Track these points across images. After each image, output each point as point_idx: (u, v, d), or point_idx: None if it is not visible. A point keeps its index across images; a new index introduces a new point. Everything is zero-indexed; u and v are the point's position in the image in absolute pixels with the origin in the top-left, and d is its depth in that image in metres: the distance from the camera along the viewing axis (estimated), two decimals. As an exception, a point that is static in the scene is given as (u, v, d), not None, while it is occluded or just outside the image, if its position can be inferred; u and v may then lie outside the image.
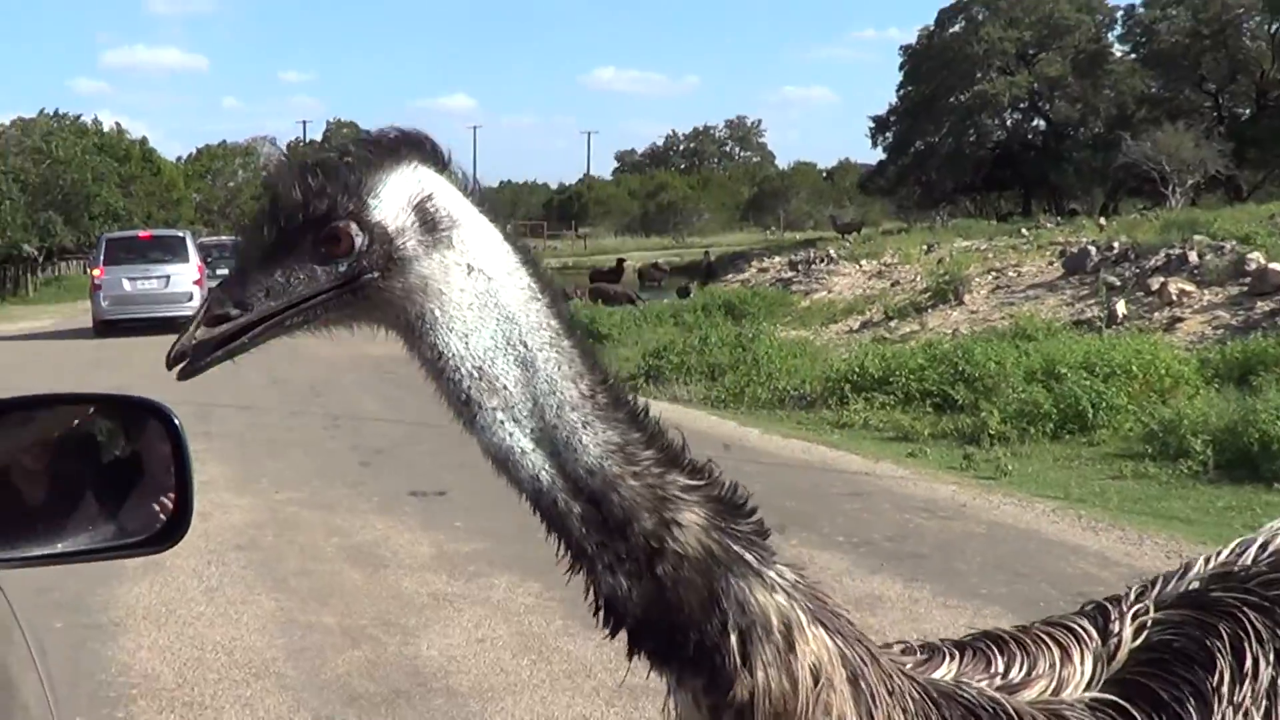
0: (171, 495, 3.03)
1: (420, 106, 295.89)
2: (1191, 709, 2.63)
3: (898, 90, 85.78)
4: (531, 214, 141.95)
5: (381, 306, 2.20)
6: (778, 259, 50.72)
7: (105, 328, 40.43)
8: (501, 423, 2.19)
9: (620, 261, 62.89)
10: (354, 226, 2.11)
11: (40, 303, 65.45)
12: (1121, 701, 2.63)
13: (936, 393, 19.49)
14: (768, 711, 2.22)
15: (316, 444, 18.31)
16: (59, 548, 2.98)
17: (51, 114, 72.05)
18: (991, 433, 16.94)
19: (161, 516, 3.04)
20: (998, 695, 2.51)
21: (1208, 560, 3.07)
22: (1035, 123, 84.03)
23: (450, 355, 2.19)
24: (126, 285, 41.21)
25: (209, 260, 45.59)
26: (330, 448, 17.98)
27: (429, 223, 2.16)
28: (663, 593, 2.19)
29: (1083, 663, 2.68)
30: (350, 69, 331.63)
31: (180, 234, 46.80)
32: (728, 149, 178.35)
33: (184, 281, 41.82)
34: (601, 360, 2.31)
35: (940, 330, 27.87)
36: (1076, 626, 2.78)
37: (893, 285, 35.25)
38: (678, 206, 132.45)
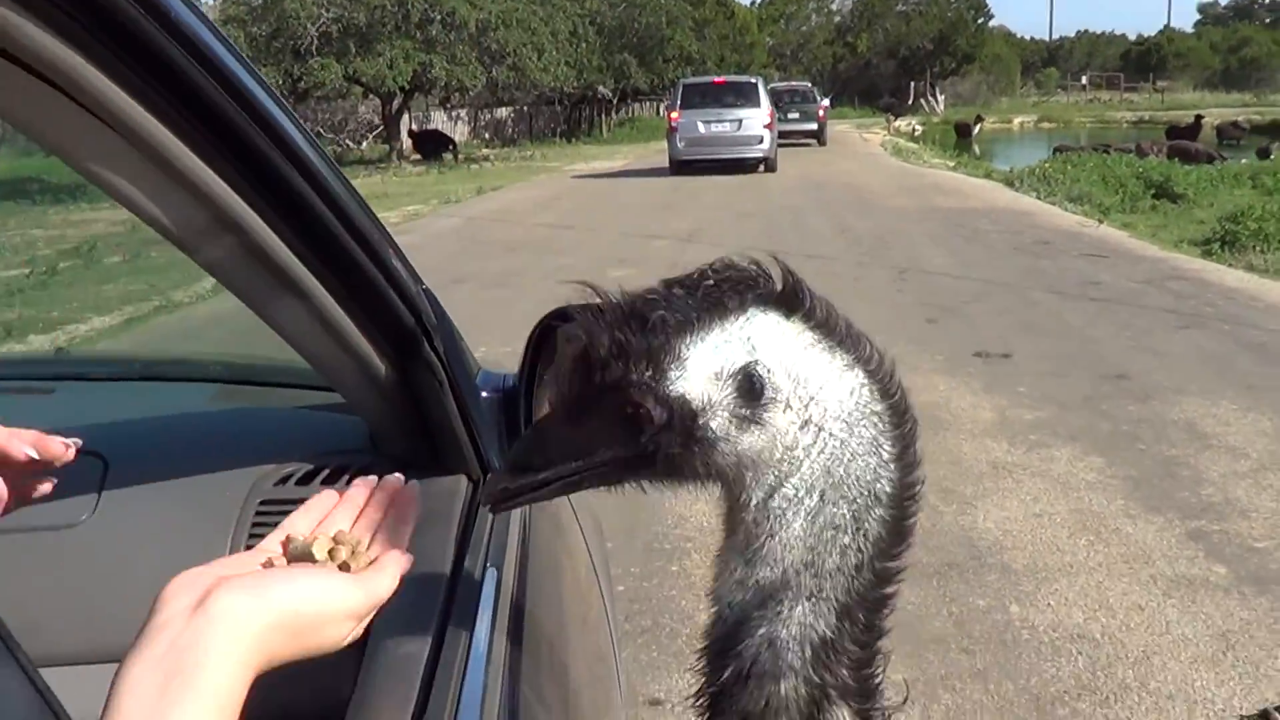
0: None
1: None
2: None
3: None
4: (1108, 66, 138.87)
5: (684, 475, 1.83)
6: (1366, 120, 47.85)
7: (680, 167, 43.54)
8: (736, 553, 1.83)
9: (1198, 118, 60.42)
10: (650, 400, 1.74)
11: (613, 143, 67.83)
12: None
13: None
14: None
15: (883, 297, 18.10)
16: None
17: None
18: None
19: None
20: None
21: None
22: None
23: (742, 505, 1.80)
24: (701, 128, 43.94)
25: (779, 105, 47.63)
26: (896, 302, 17.78)
27: (751, 392, 1.75)
28: None
29: None
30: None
31: (752, 80, 48.49)
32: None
33: (755, 125, 44.19)
34: (908, 536, 1.84)
35: None
36: None
37: None
38: (1260, 62, 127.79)
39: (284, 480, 2.97)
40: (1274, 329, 15.74)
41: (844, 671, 1.82)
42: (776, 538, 1.78)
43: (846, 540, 1.78)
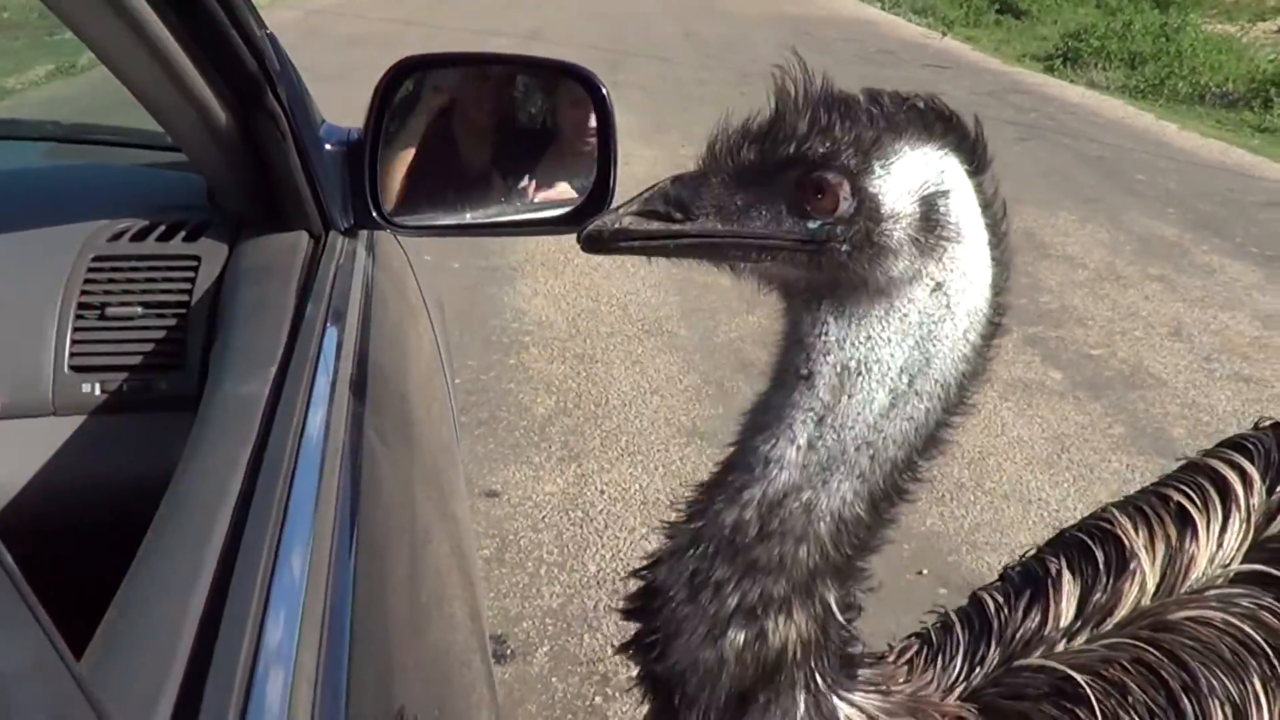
0: (591, 173, 2.83)
1: None
2: None
3: None
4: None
5: (825, 281, 1.82)
6: (1210, -54, 48.10)
7: None
8: (810, 409, 1.83)
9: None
10: (846, 187, 1.75)
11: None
12: (1272, 570, 2.14)
13: (1366, 106, 18.05)
14: None
15: (726, 100, 17.47)
16: (466, 218, 2.84)
17: None
18: None
19: (578, 194, 2.85)
20: (1053, 662, 2.08)
21: None
22: None
23: (834, 342, 1.82)
24: None
25: None
26: (740, 106, 17.33)
27: (931, 223, 1.78)
28: (709, 658, 1.86)
29: (1223, 530, 2.20)
30: None
31: None
32: None
33: None
34: (935, 453, 1.90)
35: (1376, 37, 25.83)
36: (1228, 474, 2.28)
37: (1329, -13, 32.84)
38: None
39: (118, 236, 2.84)
40: (1113, 144, 15.98)
41: (847, 554, 1.87)
42: (855, 399, 1.81)
43: (912, 437, 1.83)
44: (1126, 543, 2.22)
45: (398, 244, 3.57)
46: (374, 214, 2.77)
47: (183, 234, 2.85)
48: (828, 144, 1.76)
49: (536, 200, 2.88)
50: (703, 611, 1.85)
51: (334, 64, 19.49)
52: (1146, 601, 2.16)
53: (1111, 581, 2.19)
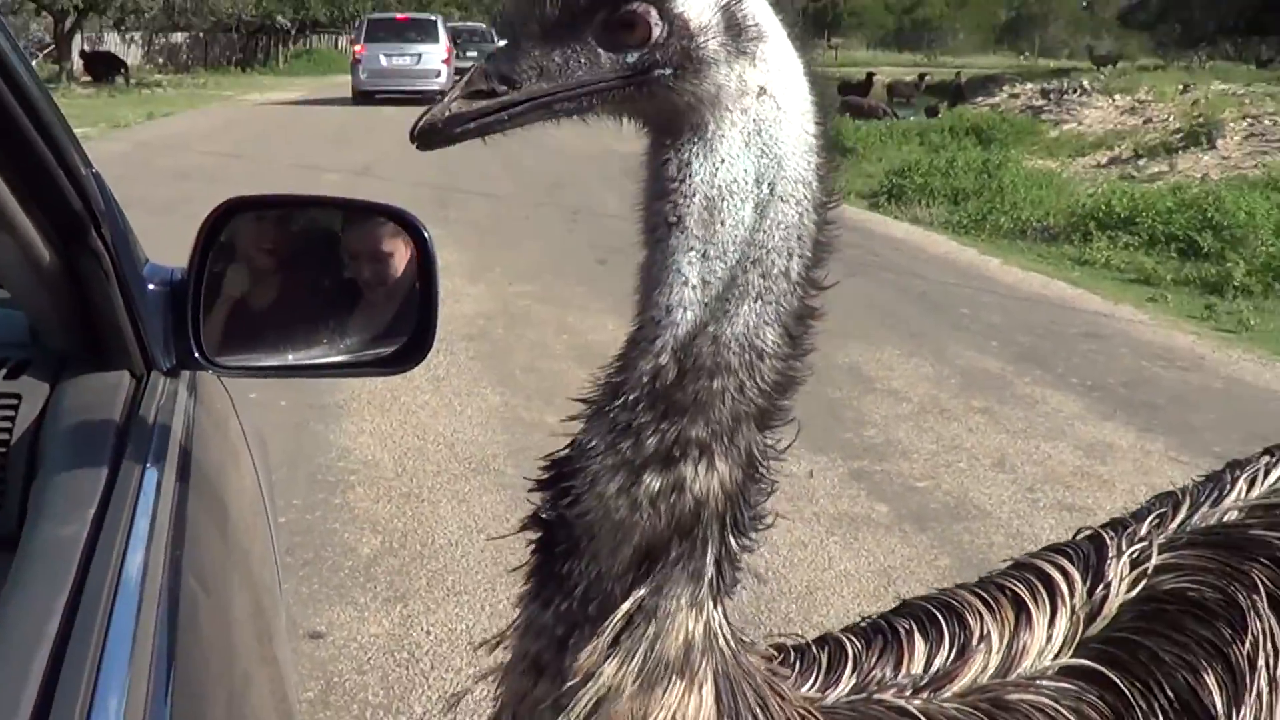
0: (414, 316, 2.86)
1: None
2: (1209, 675, 2.29)
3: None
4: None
5: (662, 108, 1.93)
6: (1029, 86, 49.12)
7: (363, 97, 46.24)
8: (691, 249, 1.91)
9: (870, 76, 61.58)
10: (654, 14, 1.85)
11: (290, 74, 67.42)
12: (1097, 667, 2.28)
13: (1182, 238, 18.50)
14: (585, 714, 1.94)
15: (554, 237, 18.20)
16: (289, 359, 2.85)
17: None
18: (1236, 284, 16.08)
19: (400, 337, 2.87)
20: (908, 704, 2.19)
21: (1252, 482, 2.69)
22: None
23: (692, 176, 1.92)
24: (383, 61, 47.61)
25: (458, 43, 51.40)
26: (567, 243, 17.83)
27: (734, 27, 1.90)
28: (622, 505, 1.91)
29: (1051, 624, 2.35)
30: None
31: (433, 18, 53.17)
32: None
33: (434, 60, 47.96)
34: (825, 258, 1.99)
35: (1190, 174, 26.41)
36: (1054, 573, 2.46)
37: (1145, 123, 33.80)
38: (932, 24, 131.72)
39: None
40: (936, 279, 16.38)
41: (766, 389, 1.94)
42: (728, 224, 1.90)
43: (793, 242, 1.93)
44: (970, 620, 2.36)
45: (220, 383, 3.56)
46: (196, 355, 2.76)
47: (3, 372, 2.82)
48: None
49: (359, 342, 2.90)
50: (620, 457, 1.90)
51: (163, 197, 19.40)
52: (984, 679, 2.27)
53: (955, 653, 2.31)
